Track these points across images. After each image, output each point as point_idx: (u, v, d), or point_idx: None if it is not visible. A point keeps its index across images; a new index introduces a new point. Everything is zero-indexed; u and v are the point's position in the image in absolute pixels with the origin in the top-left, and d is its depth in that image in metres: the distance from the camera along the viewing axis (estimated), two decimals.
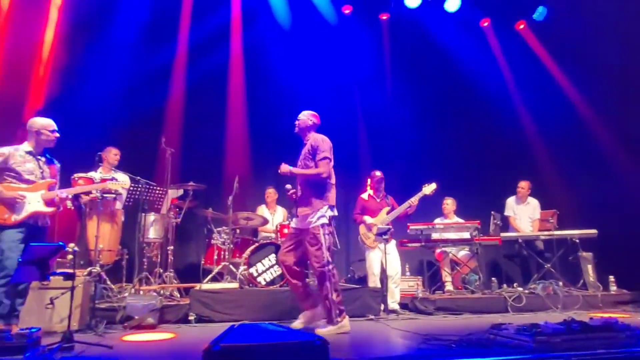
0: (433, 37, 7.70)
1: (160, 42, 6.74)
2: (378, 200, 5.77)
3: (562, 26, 7.40)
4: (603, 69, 6.94)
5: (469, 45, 7.78)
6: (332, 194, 4.11)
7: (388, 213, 5.65)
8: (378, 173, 5.80)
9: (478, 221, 5.95)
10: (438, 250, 6.31)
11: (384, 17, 7.84)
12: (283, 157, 7.07)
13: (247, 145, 6.91)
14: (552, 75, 7.53)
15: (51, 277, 3.32)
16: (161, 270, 5.35)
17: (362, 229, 5.73)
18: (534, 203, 6.68)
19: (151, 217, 5.38)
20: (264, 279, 5.26)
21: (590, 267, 5.94)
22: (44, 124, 3.84)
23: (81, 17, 6.35)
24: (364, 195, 5.85)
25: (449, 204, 6.52)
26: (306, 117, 4.31)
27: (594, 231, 5.89)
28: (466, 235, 6.05)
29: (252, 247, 5.42)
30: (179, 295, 5.24)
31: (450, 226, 6.13)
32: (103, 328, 3.95)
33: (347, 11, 7.62)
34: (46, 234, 3.80)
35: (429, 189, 5.60)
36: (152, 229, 5.41)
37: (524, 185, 6.65)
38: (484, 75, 7.69)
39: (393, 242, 5.65)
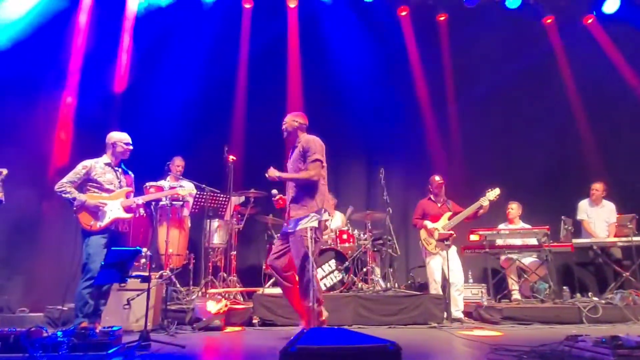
0: (497, 34, 7.44)
1: (223, 56, 7.05)
2: (439, 205, 5.66)
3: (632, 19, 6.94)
4: None
5: (532, 42, 7.45)
6: (323, 197, 3.91)
7: (450, 218, 5.52)
8: (437, 178, 5.69)
9: (547, 227, 5.66)
10: (503, 257, 6.06)
11: (442, 18, 7.70)
12: (341, 164, 7.19)
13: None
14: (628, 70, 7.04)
15: (128, 280, 3.55)
16: (225, 275, 5.55)
17: (422, 234, 5.64)
18: (609, 206, 6.26)
19: (215, 223, 5.62)
20: (324, 285, 5.30)
21: None
22: (120, 137, 4.15)
23: (149, 37, 6.78)
24: (424, 200, 5.76)
25: (514, 208, 6.25)
26: (291, 119, 4.12)
27: None
28: (533, 241, 5.77)
29: None
30: (242, 299, 5.40)
31: (516, 232, 5.87)
32: (174, 328, 4.16)
33: (403, 13, 7.58)
34: (126, 239, 4.09)
35: (493, 194, 5.41)
36: (217, 234, 5.65)
37: (598, 187, 6.25)
38: (553, 73, 7.33)
39: (454, 249, 5.50)
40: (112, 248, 3.31)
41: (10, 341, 2.70)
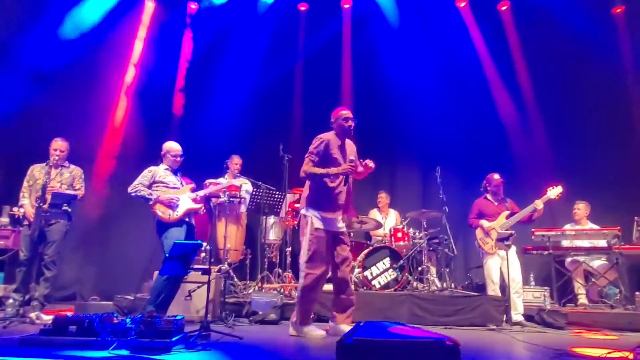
0: (558, 27, 7.04)
1: (280, 56, 7.22)
2: (496, 203, 5.46)
3: None
4: None
5: (599, 34, 6.98)
6: None
7: (508, 217, 5.31)
8: (497, 176, 5.48)
9: (618, 227, 5.30)
10: (569, 259, 5.74)
11: (504, 8, 7.39)
12: (396, 163, 7.12)
13: (360, 150, 7.01)
14: None
15: (190, 272, 3.72)
16: (280, 270, 5.67)
17: (479, 233, 5.46)
18: None
19: (271, 219, 5.75)
20: (379, 282, 5.28)
21: None
22: (169, 147, 4.48)
23: (208, 37, 7.06)
24: (480, 199, 5.58)
25: (581, 208, 5.90)
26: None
27: None
28: (602, 243, 5.42)
29: (366, 251, 5.48)
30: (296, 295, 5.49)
31: (583, 232, 5.54)
32: (232, 320, 4.31)
33: (462, 4, 7.36)
34: (194, 230, 4.34)
35: (555, 192, 5.13)
36: (272, 231, 5.79)
37: None
38: (620, 64, 6.84)
39: (513, 249, 5.28)
40: (176, 241, 3.49)
41: (85, 325, 2.92)
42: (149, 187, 4.29)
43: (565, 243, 5.70)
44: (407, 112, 7.02)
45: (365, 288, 5.23)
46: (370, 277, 5.28)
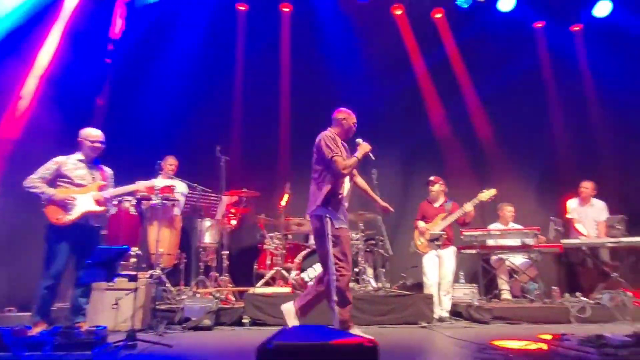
0: (495, 35, 7.47)
1: (218, 56, 7.05)
2: (435, 205, 5.70)
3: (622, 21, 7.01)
4: None
5: (524, 45, 7.48)
6: None
7: (443, 219, 5.55)
8: (432, 178, 5.72)
9: (537, 227, 5.69)
10: (494, 257, 6.09)
11: (438, 15, 7.68)
12: None
13: (298, 152, 7.00)
14: (615, 71, 7.06)
15: (117, 279, 3.54)
16: (217, 274, 5.54)
17: (416, 234, 5.70)
18: (599, 205, 6.29)
19: (207, 222, 5.62)
20: None
21: None
22: (87, 134, 4.17)
23: (143, 34, 6.76)
24: (424, 202, 5.81)
25: (511, 210, 6.28)
26: None
27: None
28: (524, 241, 5.79)
29: (303, 253, 5.49)
30: (234, 299, 5.40)
31: (507, 232, 5.90)
32: (163, 328, 4.14)
33: (398, 12, 7.55)
34: (98, 234, 4.08)
35: (487, 195, 5.42)
36: (208, 234, 5.65)
37: (587, 185, 6.27)
38: (543, 76, 7.36)
39: (451, 249, 5.52)
40: (98, 247, 3.30)
41: None
42: (52, 181, 3.94)
43: (491, 242, 6.04)
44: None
45: (302, 290, 5.23)
46: (307, 279, 5.29)
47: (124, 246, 3.36)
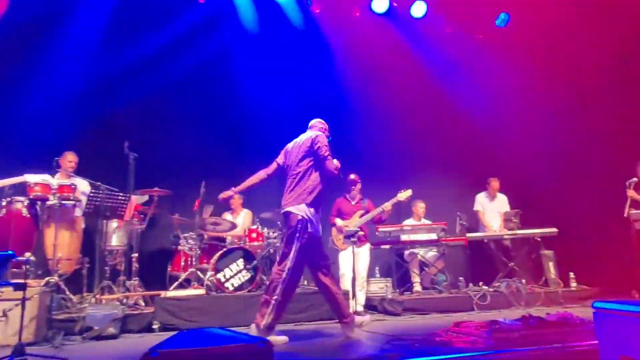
0: (402, 41, 7.76)
1: (124, 44, 6.58)
2: (353, 203, 5.82)
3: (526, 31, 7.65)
4: (560, 75, 7.21)
5: (437, 49, 7.86)
6: None
7: (361, 216, 5.69)
8: (352, 176, 5.83)
9: (445, 222, 6.05)
10: (407, 252, 6.37)
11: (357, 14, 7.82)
12: (250, 161, 7.05)
13: (214, 150, 6.79)
14: (513, 79, 7.69)
15: (1, 288, 3.18)
16: (125, 279, 5.21)
17: (334, 231, 5.79)
18: (503, 198, 6.87)
19: (113, 224, 5.26)
20: (232, 285, 5.19)
21: (551, 265, 6.11)
22: None
23: (39, 16, 6.15)
24: (340, 199, 5.90)
25: (419, 206, 6.60)
26: None
27: (554, 230, 6.05)
28: (434, 236, 6.13)
29: (219, 253, 5.35)
30: (144, 304, 5.11)
31: (418, 228, 6.20)
32: (61, 340, 3.81)
33: (317, 10, 7.60)
34: None
35: (404, 195, 5.66)
36: (115, 236, 5.30)
37: (494, 180, 6.84)
38: (451, 79, 7.78)
39: (367, 246, 5.69)
40: None
41: None
42: None
43: (404, 237, 6.30)
44: (261, 112, 7.01)
45: (218, 291, 5.10)
46: (223, 280, 5.16)
47: (8, 252, 3.02)
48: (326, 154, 3.80)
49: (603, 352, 2.20)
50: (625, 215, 5.15)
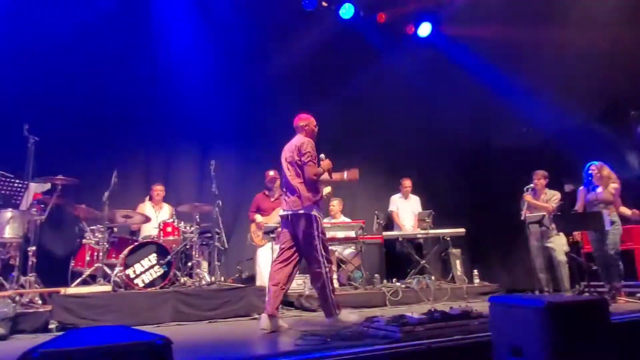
0: (329, 41, 7.84)
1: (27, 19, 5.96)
2: (272, 199, 5.78)
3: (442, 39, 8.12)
4: (472, 86, 7.74)
5: (360, 50, 8.05)
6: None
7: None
8: (271, 173, 5.80)
9: (363, 220, 6.22)
10: None
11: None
12: (172, 154, 6.76)
13: (125, 134, 6.35)
14: (431, 85, 8.10)
15: None
16: (20, 274, 4.73)
17: (253, 227, 5.73)
18: (416, 199, 7.21)
19: (7, 214, 4.74)
20: (142, 281, 4.92)
21: (458, 262, 6.54)
22: None
23: None
24: (260, 195, 5.83)
25: (335, 205, 6.73)
26: None
27: (462, 230, 6.48)
28: (352, 234, 6.28)
29: (130, 247, 5.05)
30: (40, 302, 4.68)
31: (337, 225, 6.32)
32: None
33: None
34: None
35: (324, 192, 5.72)
36: (9, 227, 4.77)
37: (406, 182, 7.15)
38: (372, 81, 8.00)
39: None
40: None
41: None
42: None
43: None
44: (185, 103, 6.73)
45: (127, 288, 4.82)
46: (133, 275, 4.88)
47: None
48: (307, 160, 3.94)
49: (496, 343, 2.39)
50: (522, 218, 5.64)
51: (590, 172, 5.34)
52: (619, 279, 5.15)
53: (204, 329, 4.29)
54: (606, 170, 5.34)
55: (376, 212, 6.51)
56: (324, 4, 7.66)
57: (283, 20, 7.49)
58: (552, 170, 5.88)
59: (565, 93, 6.57)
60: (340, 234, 6.44)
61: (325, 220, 6.63)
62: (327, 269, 3.90)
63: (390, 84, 8.10)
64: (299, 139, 4.11)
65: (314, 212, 3.90)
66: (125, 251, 5.00)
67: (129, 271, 4.88)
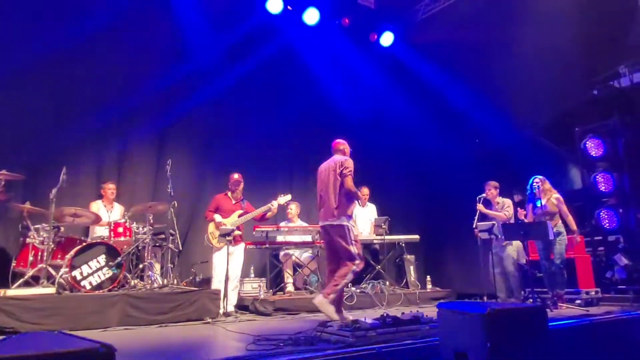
0: (292, 46, 7.85)
1: None
2: (233, 202, 5.71)
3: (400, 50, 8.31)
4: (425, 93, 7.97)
5: (320, 59, 8.11)
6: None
7: (240, 216, 5.61)
8: (236, 176, 5.72)
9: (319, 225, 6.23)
10: (282, 253, 6.46)
11: None
12: (127, 152, 6.50)
13: (73, 127, 6.03)
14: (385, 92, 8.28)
15: None
16: None
17: (210, 227, 5.62)
18: (372, 207, 7.31)
19: None
20: (90, 283, 4.73)
21: (412, 268, 6.70)
22: None
23: None
24: (221, 195, 5.75)
25: (293, 209, 6.72)
26: None
27: (416, 237, 6.64)
28: (309, 238, 6.30)
29: (77, 247, 4.84)
30: None
31: (295, 229, 6.32)
32: None
33: None
34: None
35: (284, 199, 5.74)
36: None
37: (364, 190, 7.23)
38: (334, 88, 8.08)
39: (242, 245, 5.63)
40: None
41: None
42: None
43: (280, 238, 6.39)
44: (139, 97, 6.49)
45: (73, 290, 4.61)
46: (79, 277, 4.68)
47: None
48: (347, 173, 4.49)
49: (442, 348, 2.46)
50: (474, 226, 5.85)
51: (534, 185, 5.62)
52: (562, 286, 5.44)
53: (153, 333, 4.17)
54: (547, 184, 5.65)
55: None
56: (289, 7, 7.68)
57: (245, 23, 7.43)
58: (502, 181, 6.13)
59: (515, 107, 6.89)
60: (297, 238, 6.45)
61: (282, 224, 6.64)
62: (352, 273, 4.41)
63: (350, 89, 8.21)
64: (340, 157, 4.66)
65: (346, 223, 4.43)
66: (72, 252, 4.79)
67: (76, 273, 4.68)
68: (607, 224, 6.12)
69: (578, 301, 5.46)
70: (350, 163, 4.57)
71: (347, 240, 4.40)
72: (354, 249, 4.39)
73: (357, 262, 4.38)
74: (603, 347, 3.94)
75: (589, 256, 6.00)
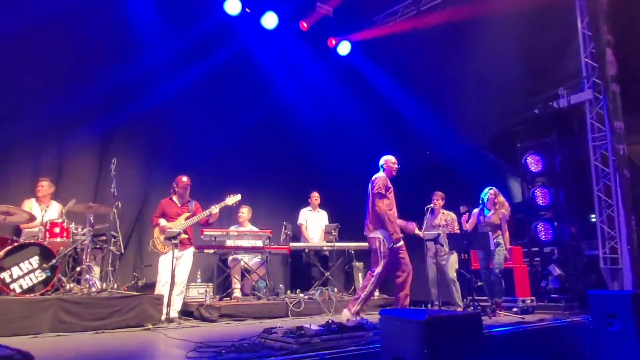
0: (249, 50, 7.79)
1: None
2: (179, 205, 5.55)
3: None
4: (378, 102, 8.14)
5: (276, 58, 8.08)
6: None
7: (187, 219, 5.46)
8: (185, 179, 5.56)
9: (270, 230, 6.19)
10: (231, 257, 6.34)
11: None
12: (69, 150, 6.16)
13: (17, 125, 5.70)
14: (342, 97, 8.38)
15: None
16: None
17: (156, 232, 5.44)
18: (324, 214, 7.34)
19: None
20: (20, 286, 4.43)
21: (360, 275, 6.76)
22: None
23: None
24: (166, 200, 5.56)
25: (245, 212, 6.63)
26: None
27: (365, 244, 6.68)
28: (259, 243, 6.22)
29: (7, 248, 4.52)
30: None
31: (244, 234, 6.23)
32: None
33: None
34: None
35: (233, 200, 5.65)
36: None
37: (315, 195, 7.26)
38: (285, 92, 8.07)
39: (190, 250, 5.48)
40: None
41: None
42: None
43: (229, 242, 6.28)
44: (82, 91, 6.18)
45: (0, 294, 4.30)
46: (8, 280, 4.37)
47: None
48: (376, 191, 4.88)
49: (382, 354, 2.50)
50: (421, 235, 5.99)
51: (488, 195, 5.85)
52: (500, 295, 5.68)
53: (88, 340, 3.96)
54: (501, 198, 5.90)
55: (284, 222, 6.51)
56: (247, 10, 7.62)
57: (201, 23, 7.29)
58: (448, 192, 6.34)
59: (462, 122, 7.18)
60: (247, 243, 6.35)
61: (232, 227, 6.52)
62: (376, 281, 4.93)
63: (305, 95, 8.24)
64: (376, 175, 5.04)
65: (379, 236, 4.86)
66: (2, 252, 4.47)
67: (4, 275, 4.37)
68: (544, 236, 6.47)
69: (515, 309, 5.71)
70: (380, 181, 4.89)
71: (377, 253, 4.85)
72: (386, 262, 4.81)
73: (378, 271, 4.83)
74: (536, 353, 4.15)
75: (526, 266, 6.31)
